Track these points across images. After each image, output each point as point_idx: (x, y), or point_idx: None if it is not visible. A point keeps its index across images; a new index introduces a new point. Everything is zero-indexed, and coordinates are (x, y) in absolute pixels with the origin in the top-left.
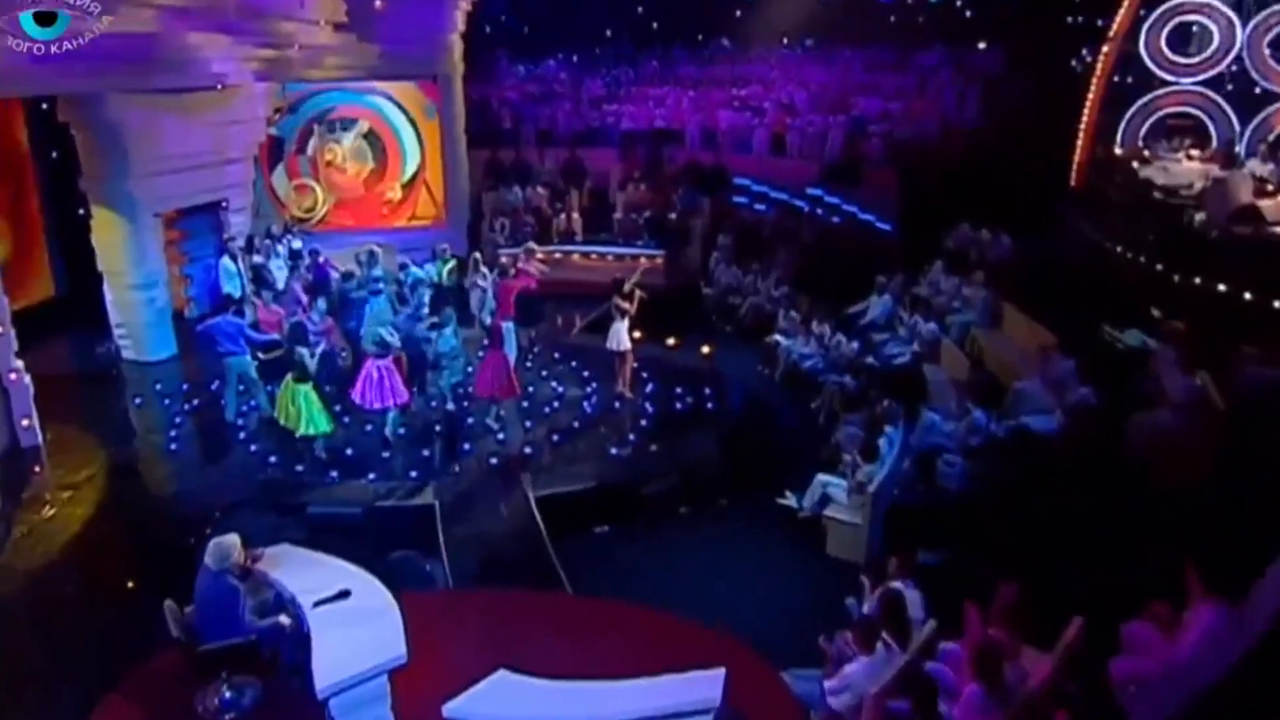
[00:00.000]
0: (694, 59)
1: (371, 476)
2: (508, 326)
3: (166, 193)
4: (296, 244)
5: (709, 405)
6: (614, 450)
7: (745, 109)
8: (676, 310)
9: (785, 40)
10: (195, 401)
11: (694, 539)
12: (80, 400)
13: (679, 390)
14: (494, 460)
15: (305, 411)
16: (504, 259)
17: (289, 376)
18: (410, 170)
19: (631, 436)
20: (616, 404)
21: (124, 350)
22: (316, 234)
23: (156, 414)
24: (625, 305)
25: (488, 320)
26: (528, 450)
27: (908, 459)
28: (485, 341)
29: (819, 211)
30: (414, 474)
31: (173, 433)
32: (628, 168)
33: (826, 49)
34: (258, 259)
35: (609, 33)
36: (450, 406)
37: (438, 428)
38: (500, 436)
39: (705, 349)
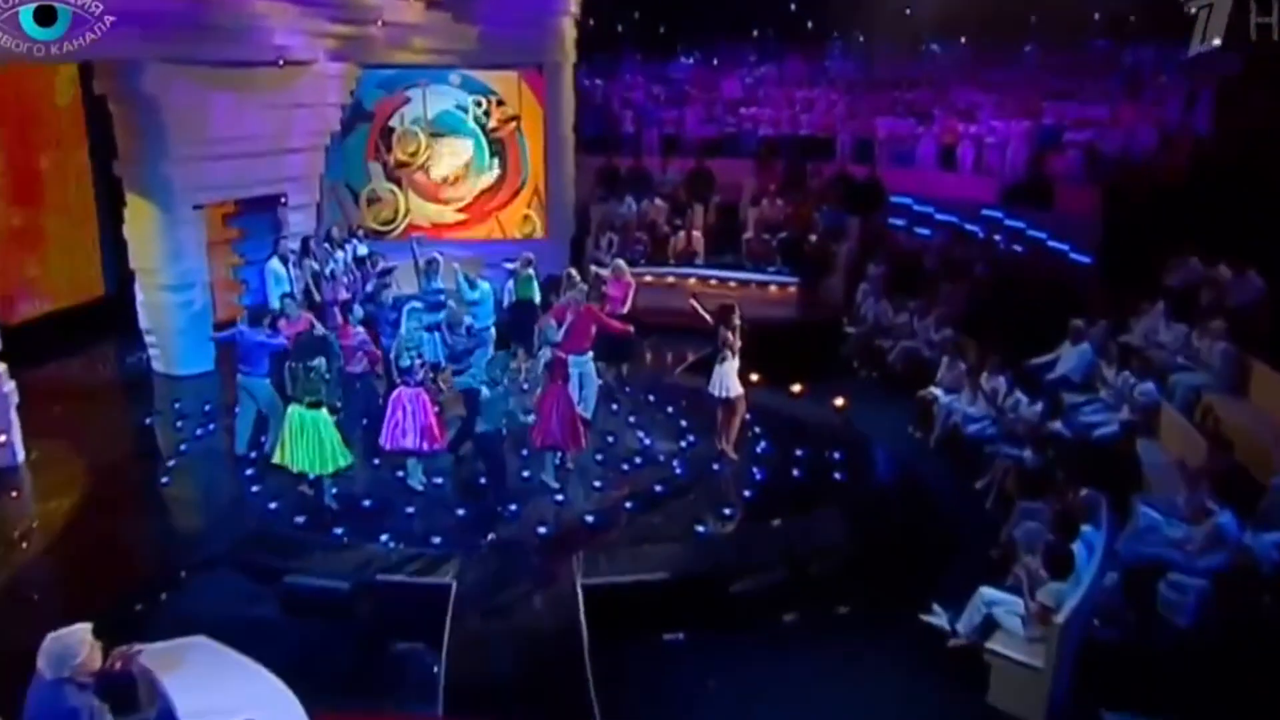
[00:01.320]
0: (851, 57)
1: (384, 538)
2: (579, 361)
3: (211, 181)
4: (363, 250)
5: (836, 475)
6: (702, 527)
7: (910, 114)
8: (807, 350)
9: (963, 38)
10: (211, 426)
11: (799, 661)
12: (88, 416)
13: (799, 452)
14: (543, 530)
15: (314, 445)
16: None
17: (296, 403)
18: (518, 177)
19: (728, 510)
20: (715, 465)
21: (154, 361)
22: (389, 243)
23: (164, 439)
24: (732, 339)
25: (546, 355)
26: (589, 519)
27: (1113, 575)
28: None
29: (997, 238)
30: (437, 540)
31: (171, 462)
32: (763, 180)
33: (1012, 44)
34: (314, 265)
35: (755, 31)
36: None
37: (482, 480)
38: (559, 498)
39: (839, 401)
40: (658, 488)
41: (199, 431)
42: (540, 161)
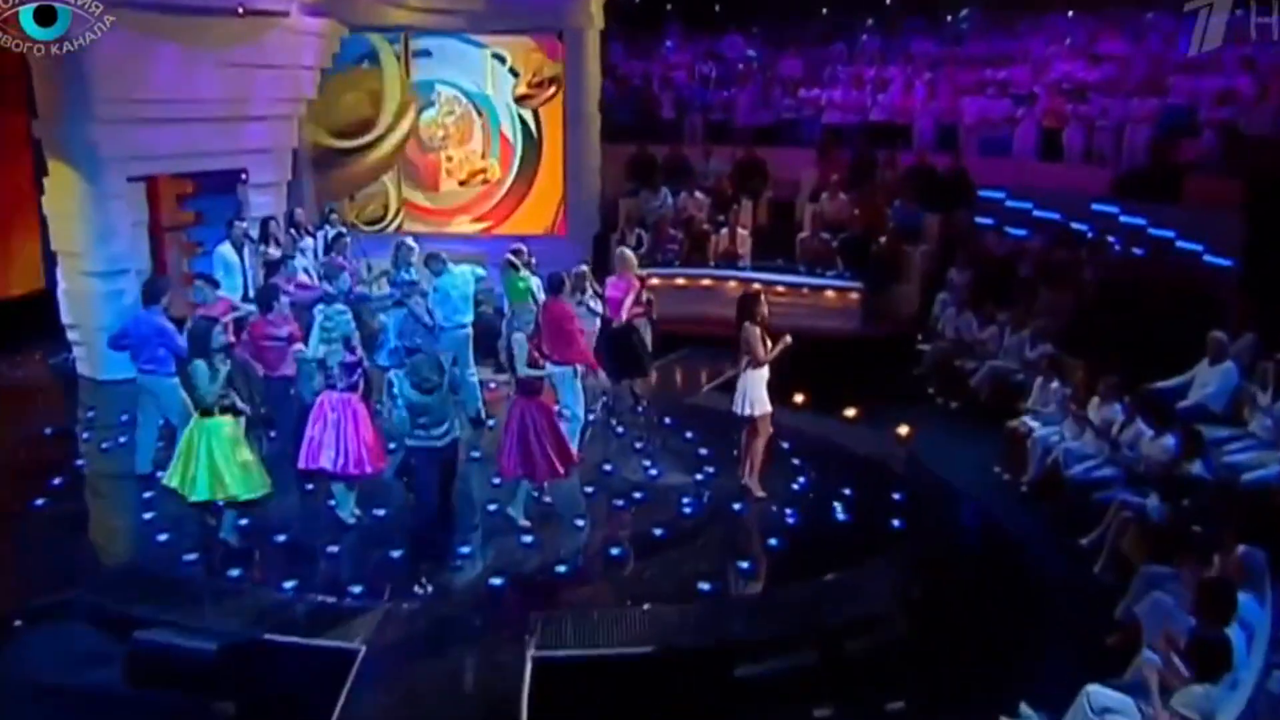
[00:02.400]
0: (935, 31)
1: (289, 585)
2: (562, 373)
3: (149, 149)
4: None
5: (893, 522)
6: (707, 585)
7: (1004, 95)
8: (869, 369)
9: (1070, 10)
10: (122, 440)
11: None
12: None
13: (846, 492)
14: (497, 581)
15: (206, 464)
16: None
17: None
18: (519, 160)
19: (744, 564)
20: (736, 505)
21: (79, 363)
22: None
23: (60, 453)
24: (753, 341)
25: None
26: (560, 568)
27: None
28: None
29: (1110, 237)
30: (356, 590)
31: (57, 480)
32: (826, 171)
33: (1131, 9)
34: (271, 253)
35: (823, 5)
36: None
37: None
38: (526, 539)
39: (903, 429)
40: (656, 531)
41: (105, 445)
42: (558, 145)
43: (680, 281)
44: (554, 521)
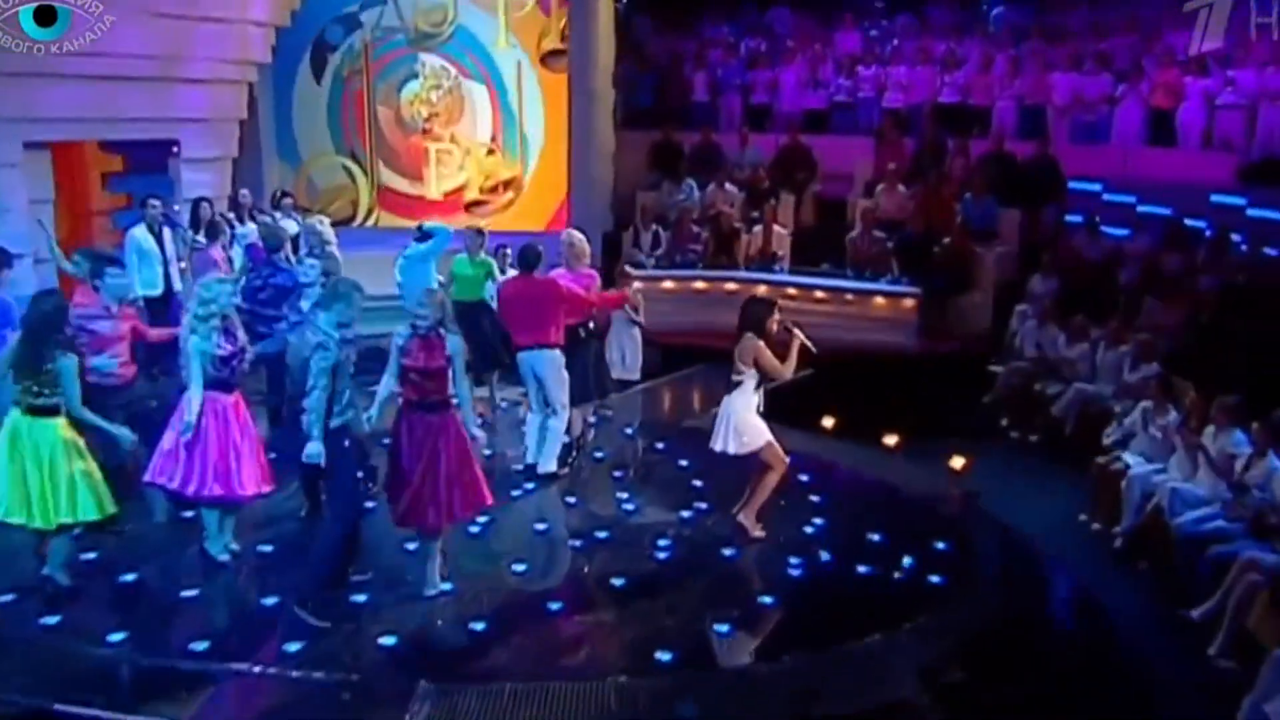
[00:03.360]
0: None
1: (116, 640)
2: (550, 359)
3: (51, 110)
4: (292, 227)
5: (932, 579)
6: (667, 655)
7: (1104, 69)
8: (927, 392)
9: None
10: None
11: None
12: None
13: (875, 537)
14: (387, 641)
15: (16, 482)
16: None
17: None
18: (531, 147)
19: (723, 628)
20: (727, 550)
21: None
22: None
23: None
24: (755, 352)
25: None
26: (476, 626)
27: None
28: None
29: (1235, 237)
30: (200, 647)
31: None
32: (884, 161)
33: None
34: (197, 239)
35: None
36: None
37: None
38: (445, 586)
39: (957, 461)
40: (615, 581)
41: None
42: (561, 126)
43: (699, 285)
44: (486, 566)
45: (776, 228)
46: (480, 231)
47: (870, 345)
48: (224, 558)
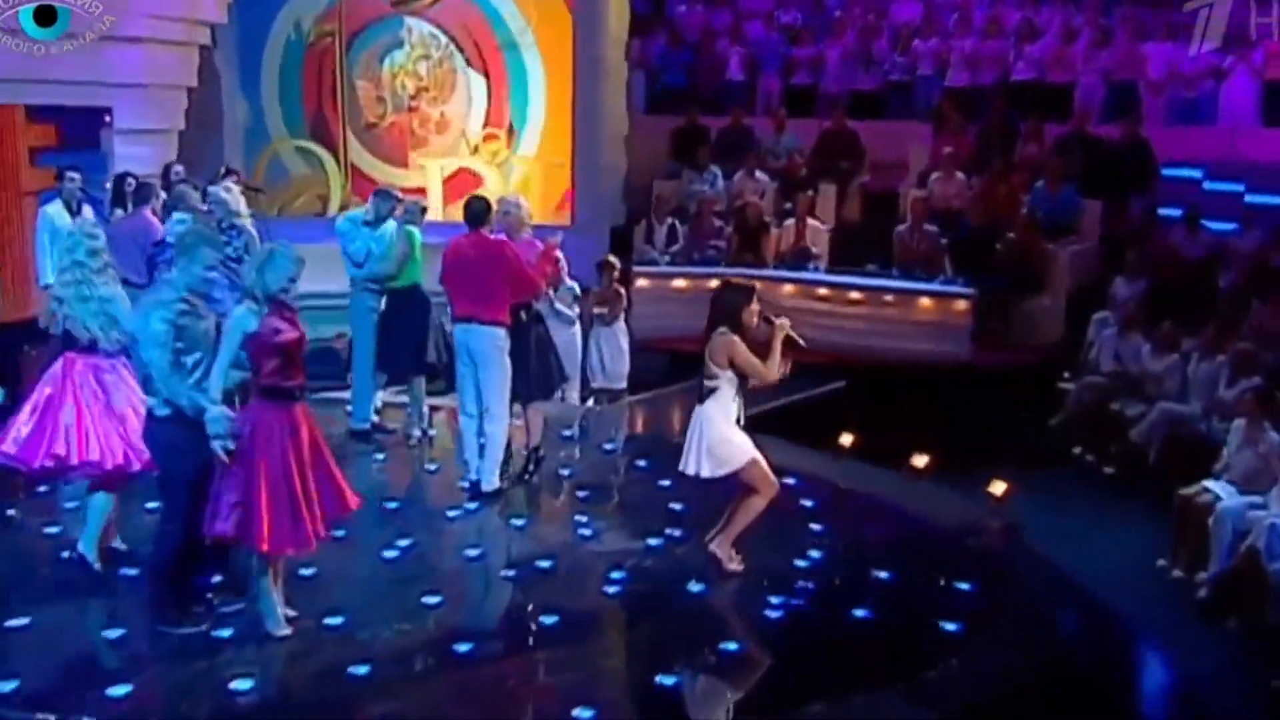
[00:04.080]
0: None
1: None
2: (471, 331)
3: None
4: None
5: (946, 626)
6: (588, 711)
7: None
8: (982, 410)
9: None
10: None
11: None
12: None
13: (883, 575)
14: (244, 685)
15: None
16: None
17: None
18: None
19: (668, 680)
20: (696, 586)
21: None
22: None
23: None
24: (746, 361)
25: None
26: (358, 671)
27: None
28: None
29: None
30: (8, 688)
31: None
32: (943, 146)
33: None
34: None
35: None
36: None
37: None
38: (332, 620)
39: (998, 487)
40: (547, 620)
41: None
42: (565, 104)
43: (715, 285)
44: (389, 598)
45: (812, 222)
46: (423, 209)
47: (915, 355)
48: (95, 562)
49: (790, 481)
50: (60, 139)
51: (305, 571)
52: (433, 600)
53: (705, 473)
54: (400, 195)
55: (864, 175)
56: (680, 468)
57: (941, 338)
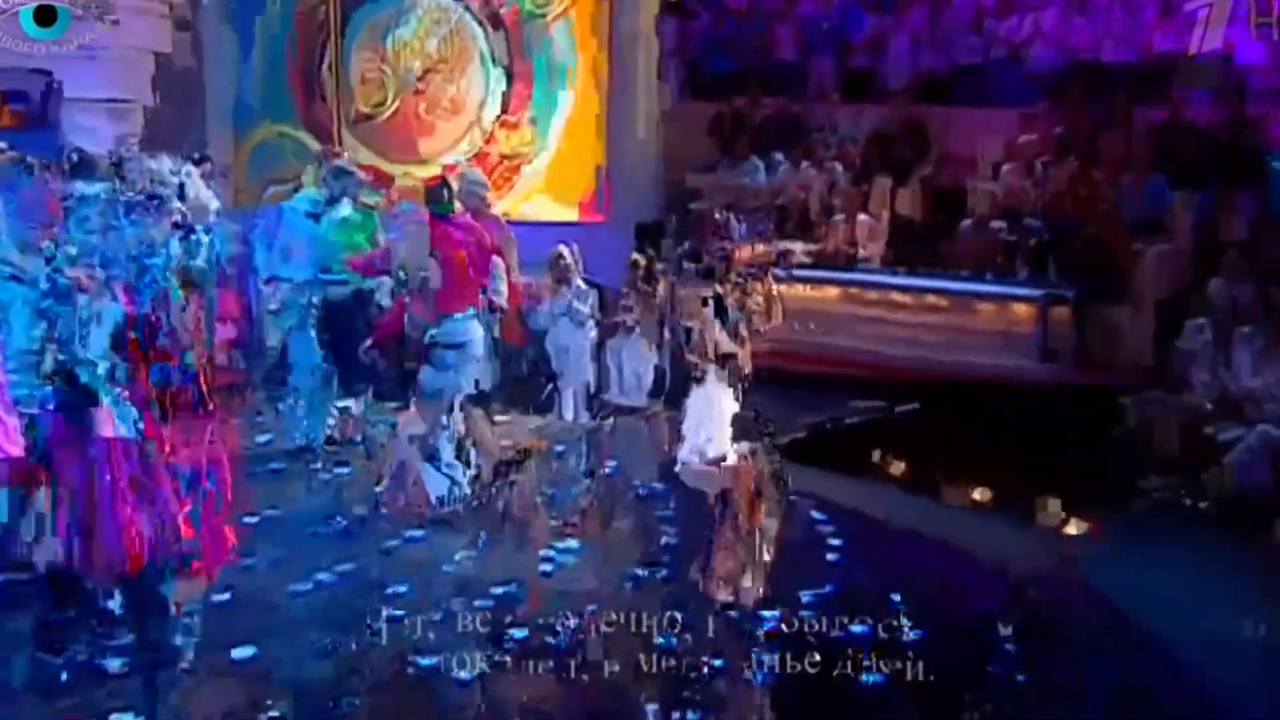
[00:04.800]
0: None
1: None
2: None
3: None
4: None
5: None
6: None
7: None
8: (1043, 429)
9: None
10: None
11: None
12: None
13: (906, 629)
14: None
15: None
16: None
17: None
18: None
19: None
20: (671, 632)
21: None
22: None
23: None
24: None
25: None
26: None
27: None
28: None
29: None
30: None
31: None
32: (1019, 137)
33: None
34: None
35: None
36: None
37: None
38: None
39: (1072, 525)
40: (462, 674)
41: None
42: (594, 85)
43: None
44: (276, 638)
45: (863, 217)
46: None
47: (972, 369)
48: None
49: (816, 515)
50: (17, 120)
51: (219, 597)
52: (351, 634)
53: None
54: (358, 171)
55: (927, 167)
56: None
57: (1005, 350)
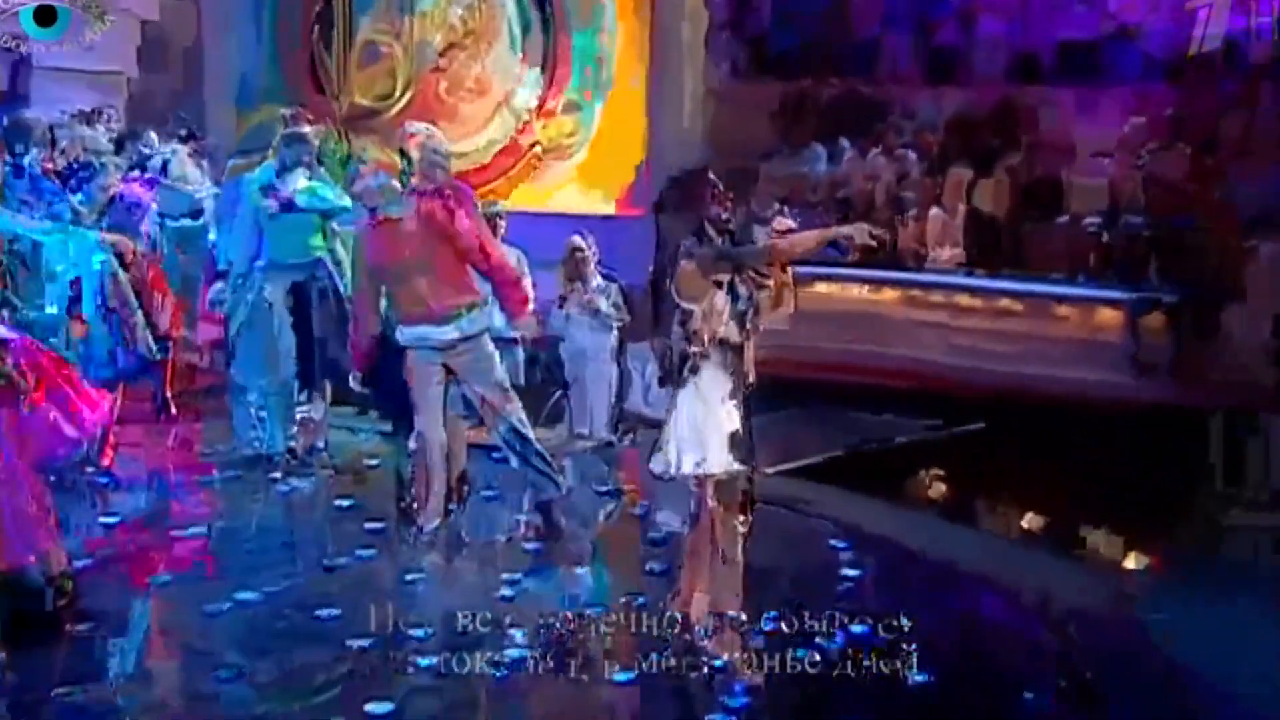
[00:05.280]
0: None
1: None
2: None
3: None
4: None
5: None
6: None
7: None
8: (1130, 453)
9: None
10: None
11: None
12: None
13: (924, 680)
14: None
15: None
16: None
17: None
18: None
19: None
20: (623, 675)
21: None
22: None
23: None
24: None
25: None
26: None
27: None
28: None
29: None
30: None
31: None
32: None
33: None
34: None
35: None
36: None
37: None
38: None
39: (1129, 559)
40: (379, 708)
41: None
42: (635, 61)
43: (820, 289)
44: (176, 667)
45: (935, 212)
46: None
47: (1051, 384)
48: None
49: (838, 544)
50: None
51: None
52: (224, 675)
53: (684, 469)
54: (311, 139)
55: (1016, 155)
56: (652, 464)
57: (1087, 362)
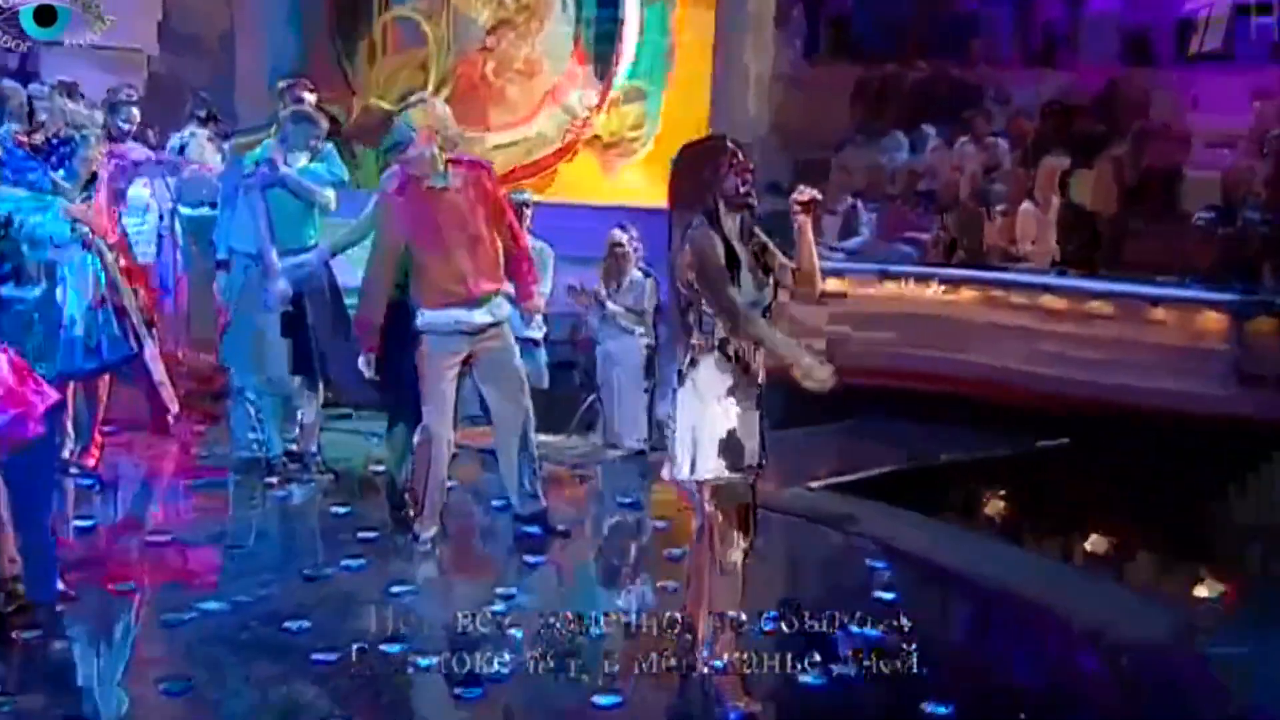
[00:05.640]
0: None
1: None
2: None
3: None
4: (209, 155)
5: None
6: None
7: None
8: (1230, 473)
9: None
10: None
11: None
12: None
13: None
14: None
15: None
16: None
17: None
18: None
19: None
20: (605, 699)
21: None
22: None
23: None
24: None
25: None
26: None
27: None
28: None
29: None
30: None
31: None
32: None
33: None
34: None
35: None
36: None
37: None
38: None
39: (1202, 588)
40: None
41: None
42: (698, 41)
43: (888, 289)
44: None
45: (1027, 205)
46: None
47: (1143, 396)
48: None
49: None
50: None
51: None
52: (174, 688)
53: (693, 474)
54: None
55: (1122, 146)
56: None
57: (1187, 372)
